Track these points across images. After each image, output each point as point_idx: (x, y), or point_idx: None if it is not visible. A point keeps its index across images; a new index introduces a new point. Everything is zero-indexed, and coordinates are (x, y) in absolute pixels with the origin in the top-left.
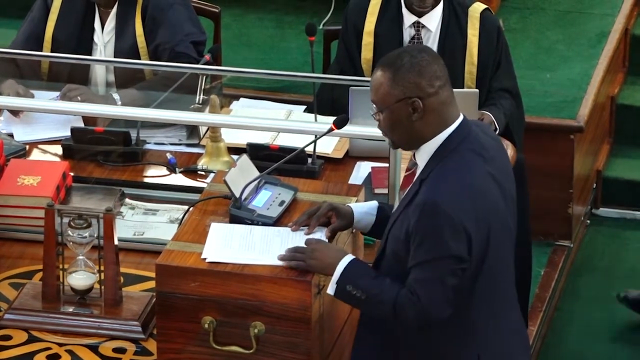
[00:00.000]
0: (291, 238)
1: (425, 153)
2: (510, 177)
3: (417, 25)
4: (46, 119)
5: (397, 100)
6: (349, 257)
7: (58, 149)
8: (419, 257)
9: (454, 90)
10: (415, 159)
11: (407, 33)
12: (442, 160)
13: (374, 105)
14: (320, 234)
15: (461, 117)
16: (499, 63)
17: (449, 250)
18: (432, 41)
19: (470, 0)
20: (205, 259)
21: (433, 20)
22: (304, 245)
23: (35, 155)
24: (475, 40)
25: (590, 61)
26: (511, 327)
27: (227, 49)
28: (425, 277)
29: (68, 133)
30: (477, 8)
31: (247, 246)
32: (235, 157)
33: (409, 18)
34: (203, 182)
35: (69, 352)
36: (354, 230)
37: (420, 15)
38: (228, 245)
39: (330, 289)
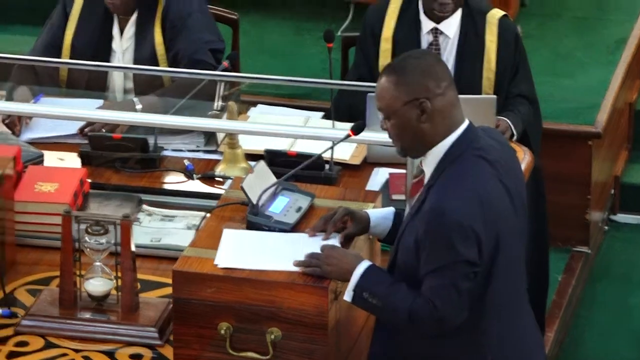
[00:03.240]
0: (303, 244)
1: (432, 160)
2: (519, 181)
3: (435, 32)
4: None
5: (405, 103)
6: (365, 263)
7: (76, 156)
8: (431, 265)
9: (472, 96)
10: (422, 166)
11: (425, 39)
12: (448, 167)
13: (381, 113)
14: (334, 240)
15: (467, 122)
16: (516, 69)
17: (461, 256)
18: (450, 47)
19: (488, 7)
20: (217, 265)
21: (451, 26)
22: (319, 251)
23: (53, 161)
24: (493, 46)
25: (608, 67)
26: (525, 332)
27: (245, 56)
28: (440, 284)
29: (68, 131)
30: (495, 14)
31: (259, 252)
32: (252, 163)
33: (427, 24)
34: (220, 188)
35: (86, 358)
36: (370, 237)
37: (438, 21)
38: (241, 251)
39: (347, 296)
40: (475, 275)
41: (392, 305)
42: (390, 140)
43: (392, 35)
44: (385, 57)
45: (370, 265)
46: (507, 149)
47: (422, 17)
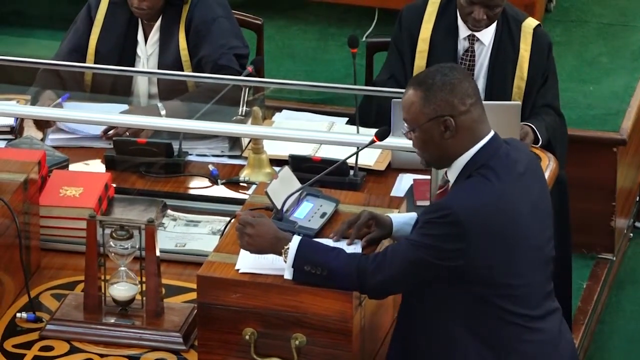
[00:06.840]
0: None
1: (455, 169)
2: (544, 194)
3: (472, 38)
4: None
5: (429, 119)
6: (297, 238)
7: (100, 161)
8: (410, 236)
9: (496, 103)
10: (447, 176)
11: (462, 45)
12: (470, 175)
13: (406, 124)
14: (355, 246)
15: (492, 133)
16: (545, 79)
17: (437, 246)
18: (484, 54)
19: (523, 15)
20: (238, 270)
21: (487, 33)
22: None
23: (78, 166)
24: (526, 55)
25: (634, 74)
26: (544, 339)
27: (269, 61)
28: (397, 248)
29: (92, 132)
30: (531, 24)
31: (280, 257)
32: (277, 168)
33: (464, 30)
34: (245, 193)
35: None
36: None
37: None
38: (262, 255)
39: (288, 274)
40: (436, 270)
41: (339, 270)
42: (415, 150)
43: (430, 37)
44: (421, 57)
45: (302, 238)
46: (532, 160)
47: (460, 22)
